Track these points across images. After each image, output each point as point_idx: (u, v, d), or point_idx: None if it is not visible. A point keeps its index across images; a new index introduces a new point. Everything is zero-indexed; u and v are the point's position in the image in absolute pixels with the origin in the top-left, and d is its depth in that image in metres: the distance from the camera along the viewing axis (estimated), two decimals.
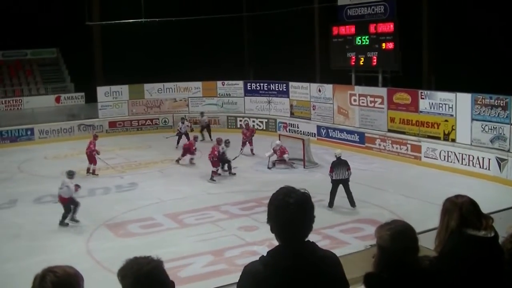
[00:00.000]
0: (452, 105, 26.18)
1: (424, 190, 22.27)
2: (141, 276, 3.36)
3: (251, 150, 30.81)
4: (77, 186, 19.92)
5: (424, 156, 27.22)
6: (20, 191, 24.58)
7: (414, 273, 4.00)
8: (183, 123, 34.15)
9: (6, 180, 26.85)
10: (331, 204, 20.49)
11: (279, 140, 28.66)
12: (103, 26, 40.10)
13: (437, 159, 26.56)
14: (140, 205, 21.88)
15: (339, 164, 20.79)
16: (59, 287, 3.27)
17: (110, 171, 26.93)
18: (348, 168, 20.69)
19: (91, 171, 26.80)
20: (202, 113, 36.59)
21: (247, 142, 30.86)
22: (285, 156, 27.28)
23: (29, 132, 35.27)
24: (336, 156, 21.10)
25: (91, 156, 26.86)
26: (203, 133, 35.49)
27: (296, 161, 27.65)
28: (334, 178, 20.64)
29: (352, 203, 20.56)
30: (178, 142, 33.20)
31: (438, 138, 26.94)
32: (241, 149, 30.16)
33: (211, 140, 32.88)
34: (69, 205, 19.58)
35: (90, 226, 19.61)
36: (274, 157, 27.71)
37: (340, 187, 20.49)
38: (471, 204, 4.73)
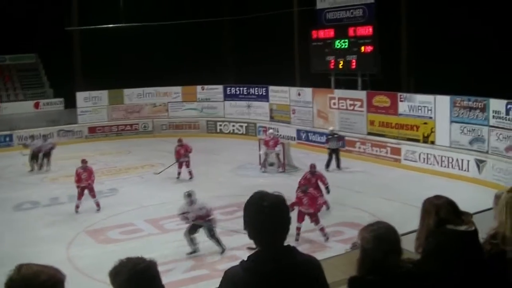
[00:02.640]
0: (431, 108, 26.34)
1: (404, 192, 22.35)
2: (137, 273, 3.35)
3: (189, 173, 26.61)
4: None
5: (404, 159, 27.37)
6: None
7: (398, 275, 4.01)
8: (45, 140, 30.70)
9: None
10: (327, 166, 26.70)
11: (272, 129, 28.98)
12: (82, 31, 39.96)
13: (416, 162, 26.71)
14: (120, 211, 21.82)
15: (332, 138, 27.55)
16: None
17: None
18: (340, 140, 28.02)
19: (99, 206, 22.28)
20: (44, 137, 32.08)
21: (184, 163, 26.58)
22: (277, 149, 27.26)
23: (7, 138, 35.06)
24: (329, 131, 28.01)
25: (91, 187, 22.32)
26: (42, 162, 29.70)
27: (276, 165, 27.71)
28: (328, 147, 27.52)
29: (338, 166, 27.17)
30: (40, 164, 29.52)
31: (417, 140, 27.09)
32: (178, 173, 26.61)
33: (48, 169, 29.48)
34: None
35: (70, 232, 19.52)
36: (270, 159, 27.84)
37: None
38: (450, 205, 4.78)
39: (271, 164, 27.78)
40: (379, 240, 4.01)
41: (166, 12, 39.18)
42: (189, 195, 17.45)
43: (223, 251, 17.04)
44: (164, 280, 3.51)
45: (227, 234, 17.63)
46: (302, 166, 27.69)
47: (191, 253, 16.93)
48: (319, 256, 4.08)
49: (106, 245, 18.20)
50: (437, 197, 4.88)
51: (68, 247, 18.19)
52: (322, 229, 17.53)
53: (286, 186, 22.67)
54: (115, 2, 37.88)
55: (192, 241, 16.96)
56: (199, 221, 17.10)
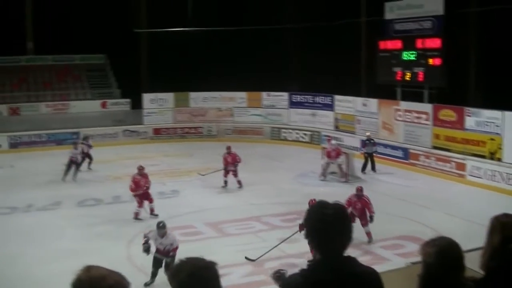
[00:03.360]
0: (499, 124, 25.86)
1: (467, 209, 22.01)
2: (198, 269, 3.35)
3: (238, 182, 26.19)
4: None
5: (469, 175, 26.87)
6: (64, 193, 25.05)
7: None
8: (87, 141, 30.63)
9: (51, 182, 27.28)
10: (363, 169, 28.93)
11: (335, 140, 28.95)
12: (150, 34, 40.54)
13: (481, 178, 26.18)
14: (181, 213, 21.97)
15: (369, 143, 29.24)
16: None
17: (153, 178, 27.01)
18: (375, 145, 29.53)
19: (154, 212, 21.92)
20: (86, 139, 31.39)
21: (231, 172, 26.18)
22: (339, 160, 27.19)
23: (74, 136, 35.57)
24: (366, 136, 29.87)
25: (146, 194, 22.00)
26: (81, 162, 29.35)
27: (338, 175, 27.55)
28: (364, 151, 29.43)
29: (373, 169, 29.17)
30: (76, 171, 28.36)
31: (483, 156, 26.61)
32: (225, 181, 26.14)
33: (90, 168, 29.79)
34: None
35: (131, 231, 19.75)
36: (330, 168, 27.72)
37: None
38: None
39: (333, 173, 27.69)
40: (442, 255, 3.94)
41: (234, 18, 39.43)
42: (162, 226, 15.74)
43: None
44: (222, 283, 3.51)
45: (287, 242, 17.58)
46: (365, 177, 27.62)
47: (146, 284, 15.41)
48: (378, 268, 4.04)
49: None
50: (505, 215, 4.77)
51: (128, 245, 18.39)
52: None
53: (347, 195, 22.52)
54: (183, 6, 38.35)
55: (153, 274, 15.51)
56: (161, 255, 15.59)
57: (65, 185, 26.75)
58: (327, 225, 3.58)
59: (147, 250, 15.59)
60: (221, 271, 3.45)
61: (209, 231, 19.92)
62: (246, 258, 16.35)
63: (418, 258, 4.16)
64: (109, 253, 17.09)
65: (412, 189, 25.88)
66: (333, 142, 28.64)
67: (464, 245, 4.26)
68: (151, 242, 15.68)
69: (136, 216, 21.51)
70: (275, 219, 21.07)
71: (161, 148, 35.61)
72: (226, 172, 26.14)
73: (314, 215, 3.66)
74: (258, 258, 16.52)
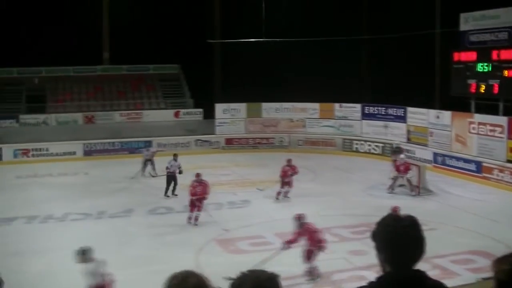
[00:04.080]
0: None
1: None
2: (261, 282, 3.37)
3: (286, 192, 26.20)
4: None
5: None
6: (136, 201, 25.48)
7: None
8: (148, 150, 32.11)
9: (123, 190, 27.79)
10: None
11: (403, 154, 28.61)
12: (223, 44, 40.89)
13: None
14: (251, 223, 22.06)
15: (398, 151, 29.50)
16: None
17: (224, 187, 27.21)
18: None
19: (195, 221, 22.09)
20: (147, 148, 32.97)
21: (287, 184, 26.04)
22: (409, 176, 26.90)
23: (147, 144, 36.08)
24: (395, 144, 30.87)
25: (201, 201, 22.26)
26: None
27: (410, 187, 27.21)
28: (393, 159, 28.51)
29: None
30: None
31: None
32: (279, 193, 26.00)
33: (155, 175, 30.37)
34: None
35: (200, 240, 19.92)
36: (398, 181, 27.41)
37: None
38: None
39: (402, 186, 27.36)
40: None
41: (306, 29, 39.46)
42: (82, 252, 13.22)
43: None
44: None
45: (356, 254, 17.48)
46: (437, 190, 27.23)
47: None
48: (448, 283, 4.00)
49: (234, 255, 18.45)
50: None
51: (198, 254, 18.54)
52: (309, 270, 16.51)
53: (418, 209, 22.20)
54: (257, 17, 38.57)
55: None
56: None
57: (138, 192, 27.19)
58: (401, 238, 3.56)
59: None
60: (288, 282, 3.48)
61: (278, 242, 19.89)
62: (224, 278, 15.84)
63: (490, 274, 4.11)
64: (178, 261, 17.21)
65: (484, 203, 25.43)
66: (402, 156, 28.18)
67: None
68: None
69: (189, 220, 21.98)
70: (345, 231, 20.96)
71: (232, 158, 35.81)
72: (283, 184, 26.05)
73: (387, 228, 3.63)
74: None
